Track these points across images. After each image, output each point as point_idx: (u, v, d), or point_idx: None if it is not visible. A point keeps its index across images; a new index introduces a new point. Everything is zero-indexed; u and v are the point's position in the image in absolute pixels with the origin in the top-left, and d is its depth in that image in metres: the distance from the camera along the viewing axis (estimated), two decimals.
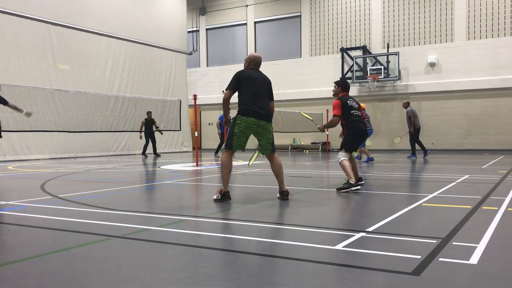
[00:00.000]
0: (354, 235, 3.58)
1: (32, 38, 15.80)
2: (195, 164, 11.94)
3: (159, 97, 19.60)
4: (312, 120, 7.76)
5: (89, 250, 3.31)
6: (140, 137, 16.81)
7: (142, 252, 3.29)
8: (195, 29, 25.31)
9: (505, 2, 18.54)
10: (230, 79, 5.61)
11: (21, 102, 12.68)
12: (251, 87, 5.53)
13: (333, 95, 7.00)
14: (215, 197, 5.53)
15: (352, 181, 6.39)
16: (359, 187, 6.41)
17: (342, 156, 6.66)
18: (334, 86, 6.96)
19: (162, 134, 17.54)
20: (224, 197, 5.48)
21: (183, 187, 7.45)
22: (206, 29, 25.63)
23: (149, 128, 16.69)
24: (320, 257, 3.07)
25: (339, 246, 3.26)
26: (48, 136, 15.54)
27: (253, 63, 5.83)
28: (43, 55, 16.19)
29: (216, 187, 7.47)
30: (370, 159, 12.80)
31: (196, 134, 12.59)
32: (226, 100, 5.53)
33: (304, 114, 8.01)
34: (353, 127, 6.69)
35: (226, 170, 5.49)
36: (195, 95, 12.00)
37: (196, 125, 18.92)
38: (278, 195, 5.80)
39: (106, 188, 7.22)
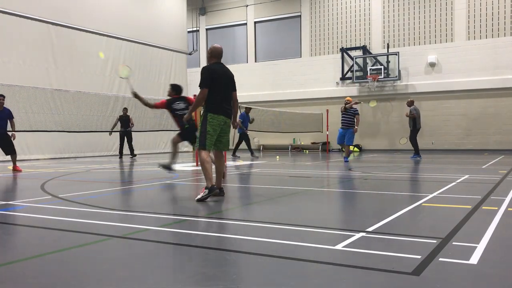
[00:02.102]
0: (354, 235, 3.58)
1: (32, 38, 15.80)
2: (195, 164, 11.93)
3: (159, 97, 19.59)
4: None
5: (89, 250, 3.31)
6: (110, 134, 16.08)
7: (142, 252, 3.29)
8: (195, 29, 25.32)
9: (505, 2, 18.55)
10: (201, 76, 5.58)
11: (21, 102, 12.71)
12: (220, 86, 5.60)
13: (167, 95, 8.73)
14: (200, 196, 5.42)
15: (170, 164, 8.10)
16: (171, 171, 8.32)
17: (175, 139, 8.31)
18: (169, 89, 8.77)
19: (110, 135, 16.40)
20: (212, 190, 5.41)
21: (183, 187, 7.44)
22: (206, 29, 25.65)
23: (124, 126, 15.92)
24: (320, 257, 3.07)
25: (339, 246, 3.26)
26: (48, 136, 15.53)
27: (215, 54, 5.76)
28: (43, 55, 16.19)
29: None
30: (346, 159, 12.96)
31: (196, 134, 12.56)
32: (203, 99, 5.56)
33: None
34: (178, 125, 8.31)
35: (209, 166, 5.52)
36: (195, 95, 12.00)
37: (197, 125, 18.91)
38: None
39: (106, 188, 7.22)
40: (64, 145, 16.71)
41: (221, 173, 5.83)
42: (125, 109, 16.09)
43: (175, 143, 8.38)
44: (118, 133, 16.18)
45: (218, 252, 3.20)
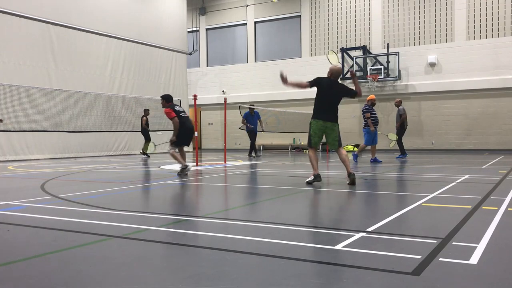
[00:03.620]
0: (354, 235, 3.58)
1: (32, 38, 15.80)
2: (195, 164, 11.93)
3: (159, 97, 19.61)
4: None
5: (89, 250, 3.31)
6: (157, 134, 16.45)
7: (142, 252, 3.29)
8: (195, 29, 25.31)
9: (505, 2, 18.54)
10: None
11: (21, 102, 12.72)
12: (322, 96, 6.91)
13: (162, 107, 9.31)
14: (309, 179, 7.01)
15: (184, 165, 8.76)
16: (188, 167, 8.83)
17: (171, 149, 9.10)
18: (161, 101, 9.40)
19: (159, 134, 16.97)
20: (316, 178, 6.92)
21: (183, 187, 7.44)
22: (206, 29, 25.63)
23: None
24: (320, 257, 3.07)
25: (339, 246, 3.26)
26: (48, 136, 15.54)
27: (334, 73, 7.03)
28: (43, 55, 16.19)
29: (216, 187, 7.49)
30: (375, 160, 12.56)
31: (196, 134, 12.58)
32: (300, 86, 7.02)
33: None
34: (182, 126, 8.91)
35: (312, 160, 7.13)
36: (195, 95, 12.01)
37: (196, 125, 18.92)
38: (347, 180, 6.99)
39: (106, 188, 7.22)
40: (64, 145, 16.70)
41: (344, 162, 7.07)
42: (147, 110, 16.10)
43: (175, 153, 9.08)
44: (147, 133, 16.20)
45: (218, 252, 3.20)
